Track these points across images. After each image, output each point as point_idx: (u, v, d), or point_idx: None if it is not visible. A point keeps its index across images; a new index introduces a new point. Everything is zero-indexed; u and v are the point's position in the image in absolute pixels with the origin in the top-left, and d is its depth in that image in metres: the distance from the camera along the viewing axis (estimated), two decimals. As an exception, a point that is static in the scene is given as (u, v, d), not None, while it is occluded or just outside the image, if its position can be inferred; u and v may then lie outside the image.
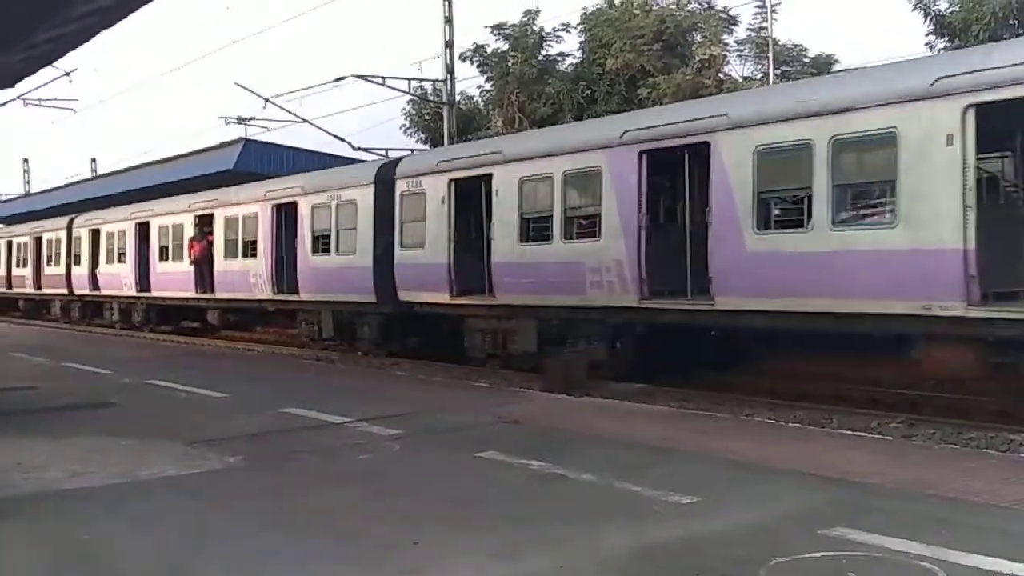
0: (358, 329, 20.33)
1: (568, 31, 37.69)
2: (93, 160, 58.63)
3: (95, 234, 31.71)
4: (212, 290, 24.59)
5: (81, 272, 32.65)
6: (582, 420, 10.61)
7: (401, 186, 18.56)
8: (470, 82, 40.47)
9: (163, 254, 27.22)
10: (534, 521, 6.40)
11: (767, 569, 5.22)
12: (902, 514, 6.22)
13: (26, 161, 61.64)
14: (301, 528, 6.30)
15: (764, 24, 36.14)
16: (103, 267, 31.12)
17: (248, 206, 23.33)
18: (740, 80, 34.82)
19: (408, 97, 35.24)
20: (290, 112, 29.62)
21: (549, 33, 37.80)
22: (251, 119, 31.97)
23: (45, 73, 21.36)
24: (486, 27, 37.98)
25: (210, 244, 24.57)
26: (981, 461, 8.38)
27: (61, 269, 34.17)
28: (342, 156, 29.89)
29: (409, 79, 30.78)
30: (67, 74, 26.26)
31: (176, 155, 37.89)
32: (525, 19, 37.58)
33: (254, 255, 22.81)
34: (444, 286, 17.40)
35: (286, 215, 21.86)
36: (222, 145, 34.93)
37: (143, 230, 28.35)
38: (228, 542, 6.10)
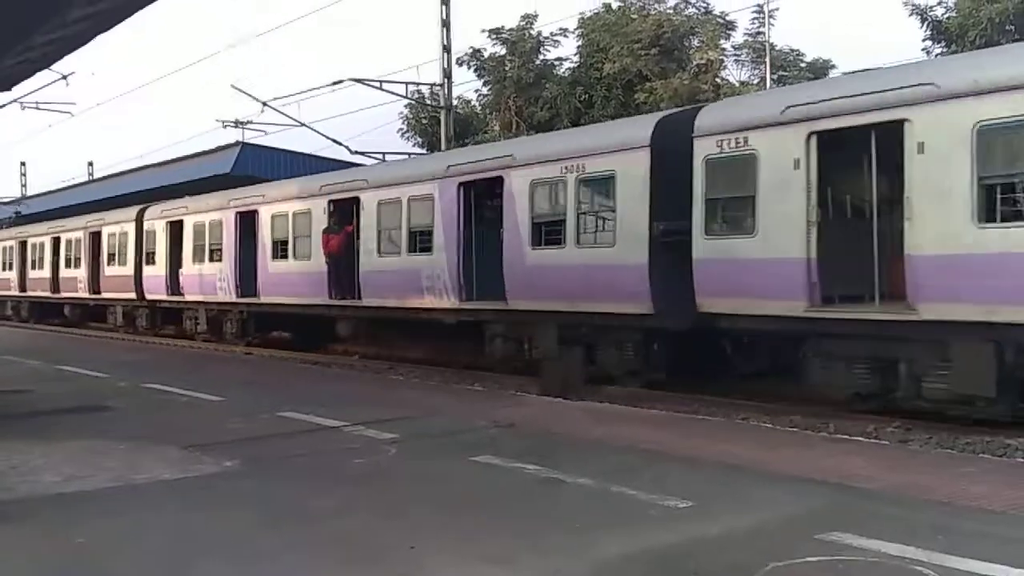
0: (602, 350, 14.80)
1: (565, 36, 38.02)
2: (90, 163, 58.81)
3: (175, 227, 26.35)
4: (356, 295, 19.53)
5: (155, 273, 27.21)
6: (578, 424, 10.60)
7: (706, 147, 12.89)
8: (468, 86, 40.73)
9: (278, 251, 21.86)
10: (529, 525, 6.39)
11: (763, 573, 5.21)
12: (898, 519, 6.22)
13: (23, 164, 61.61)
14: (296, 532, 6.28)
15: (761, 29, 36.37)
16: (188, 267, 25.67)
17: (416, 186, 18.02)
18: (737, 85, 34.95)
19: (405, 101, 35.39)
20: (288, 116, 29.62)
21: (547, 38, 38.11)
22: (248, 122, 31.97)
23: (42, 76, 21.35)
24: (484, 31, 38.20)
25: (349, 236, 19.58)
26: (977, 466, 8.39)
27: (128, 269, 28.68)
28: (340, 160, 29.92)
29: (407, 83, 30.81)
30: (64, 77, 26.11)
31: (173, 158, 38.02)
32: (523, 24, 37.79)
33: (427, 250, 17.59)
34: (795, 290, 11.78)
35: (479, 195, 16.99)
36: (219, 148, 35.06)
37: (248, 221, 23.04)
38: (223, 546, 6.08)
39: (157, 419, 11.39)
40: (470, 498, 7.26)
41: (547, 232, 15.37)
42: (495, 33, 37.90)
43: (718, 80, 34.41)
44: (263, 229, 22.39)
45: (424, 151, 37.02)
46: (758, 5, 35.82)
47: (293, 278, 21.21)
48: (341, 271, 19.76)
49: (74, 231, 33.22)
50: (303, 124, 29.60)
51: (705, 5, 37.18)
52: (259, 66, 67.01)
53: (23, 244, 37.93)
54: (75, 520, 6.70)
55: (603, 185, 14.56)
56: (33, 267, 36.79)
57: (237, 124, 32.14)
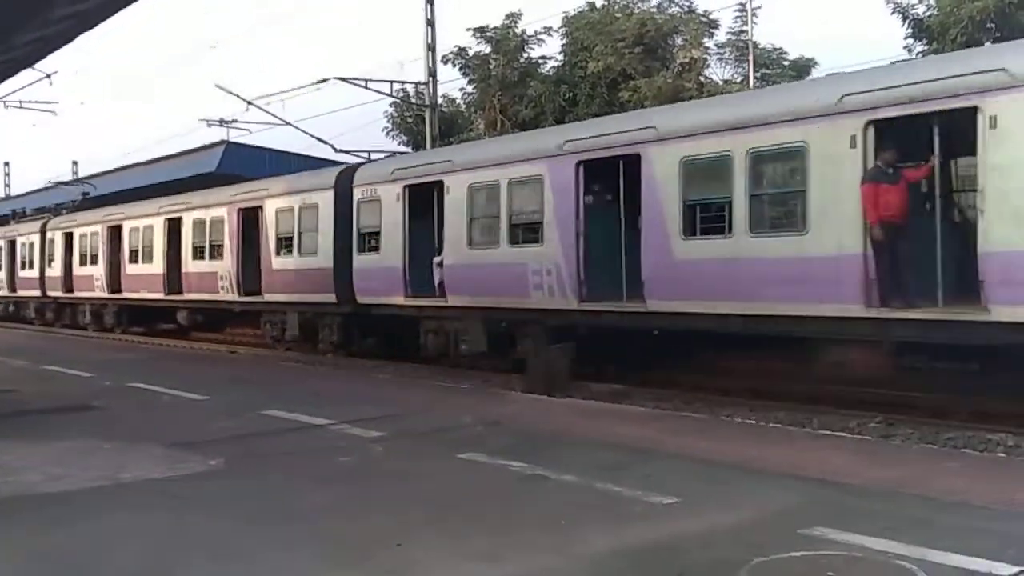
0: None
1: (550, 34, 38.05)
2: (74, 163, 58.45)
3: (420, 194, 17.64)
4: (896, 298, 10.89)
5: (378, 264, 18.52)
6: (563, 421, 10.63)
7: None
8: (452, 85, 40.70)
9: (692, 222, 12.98)
10: (516, 522, 6.42)
11: (748, 569, 5.24)
12: (882, 514, 6.27)
13: (7, 164, 61.17)
14: (283, 530, 6.28)
15: (744, 28, 36.46)
16: (457, 255, 16.78)
17: None
18: (721, 83, 35.08)
19: (390, 100, 35.35)
20: (272, 114, 29.51)
21: (531, 36, 38.10)
22: (233, 121, 31.84)
23: (25, 75, 21.31)
24: (468, 30, 38.18)
25: (917, 188, 11.32)
26: (959, 461, 8.46)
27: (320, 260, 20.01)
28: (325, 159, 29.82)
29: (391, 82, 30.80)
30: (48, 76, 26.12)
31: (158, 157, 37.83)
32: (507, 22, 37.78)
33: None
34: None
35: None
36: (204, 147, 34.89)
37: (602, 174, 14.41)
38: (210, 544, 6.07)
39: (142, 418, 11.37)
40: (456, 495, 7.27)
41: None
42: (480, 32, 37.91)
43: (702, 79, 34.51)
44: (655, 186, 13.26)
45: (409, 150, 36.96)
46: (741, 3, 35.96)
47: (750, 267, 12.13)
48: (902, 252, 11.05)
49: (209, 208, 24.26)
50: (288, 123, 29.52)
51: (688, 4, 37.28)
52: (244, 64, 66.91)
53: (115, 230, 28.76)
54: (59, 520, 6.68)
55: None
56: (133, 260, 27.77)
57: (222, 123, 32.04)
